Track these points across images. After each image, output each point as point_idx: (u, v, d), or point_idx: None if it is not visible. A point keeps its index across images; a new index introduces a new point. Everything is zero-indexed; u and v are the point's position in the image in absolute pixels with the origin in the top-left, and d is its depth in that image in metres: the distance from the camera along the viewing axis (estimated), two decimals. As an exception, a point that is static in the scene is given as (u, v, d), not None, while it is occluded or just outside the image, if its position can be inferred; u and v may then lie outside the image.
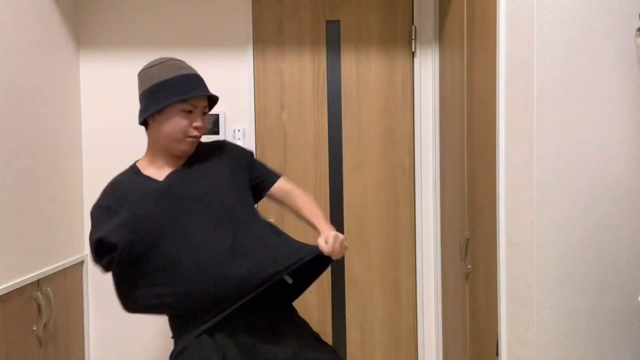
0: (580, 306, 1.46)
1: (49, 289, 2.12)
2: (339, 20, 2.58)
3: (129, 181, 1.68)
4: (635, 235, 1.45)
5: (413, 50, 2.58)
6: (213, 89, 2.51)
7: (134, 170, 1.72)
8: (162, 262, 1.62)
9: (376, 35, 2.58)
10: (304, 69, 2.58)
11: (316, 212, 1.73)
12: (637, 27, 1.30)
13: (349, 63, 2.59)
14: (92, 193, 2.51)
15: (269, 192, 1.79)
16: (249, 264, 1.57)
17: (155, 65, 1.66)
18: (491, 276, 1.78)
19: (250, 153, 1.82)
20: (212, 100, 1.72)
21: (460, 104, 2.14)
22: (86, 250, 2.52)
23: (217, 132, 2.50)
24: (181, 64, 1.67)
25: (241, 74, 2.52)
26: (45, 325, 2.09)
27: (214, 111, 2.49)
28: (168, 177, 1.66)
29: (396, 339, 2.62)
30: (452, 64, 2.28)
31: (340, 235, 1.56)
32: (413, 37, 2.58)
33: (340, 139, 2.58)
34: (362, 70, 2.59)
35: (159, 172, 1.69)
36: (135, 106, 2.52)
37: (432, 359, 2.62)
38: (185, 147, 1.66)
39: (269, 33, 2.56)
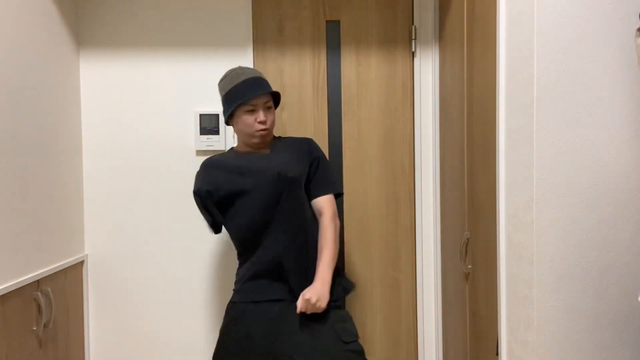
0: (580, 306, 1.46)
1: (49, 289, 2.12)
2: (339, 20, 2.58)
3: (227, 157, 2.08)
4: (635, 235, 1.45)
5: (413, 50, 2.58)
6: (213, 89, 2.54)
7: (229, 150, 2.14)
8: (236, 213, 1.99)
9: (376, 35, 2.58)
10: (304, 69, 2.58)
11: (321, 258, 1.91)
12: (637, 27, 1.30)
13: (349, 63, 2.59)
14: (92, 193, 2.52)
15: (311, 202, 2.02)
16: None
17: (226, 77, 2.01)
18: (491, 276, 1.78)
19: (317, 155, 2.05)
20: (275, 95, 2.03)
21: (460, 104, 2.14)
22: (86, 250, 2.52)
23: (217, 132, 2.50)
24: (243, 71, 1.99)
25: (241, 74, 2.52)
26: (45, 325, 2.09)
27: (213, 111, 2.51)
28: (259, 155, 2.03)
29: (396, 339, 2.62)
30: (452, 64, 2.28)
31: (310, 300, 1.80)
32: (413, 37, 2.58)
33: (340, 138, 2.58)
34: (362, 70, 2.59)
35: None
36: (135, 106, 2.53)
37: (432, 359, 2.62)
38: (257, 140, 1.99)
39: (269, 33, 2.55)
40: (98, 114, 2.51)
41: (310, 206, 2.00)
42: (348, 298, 2.60)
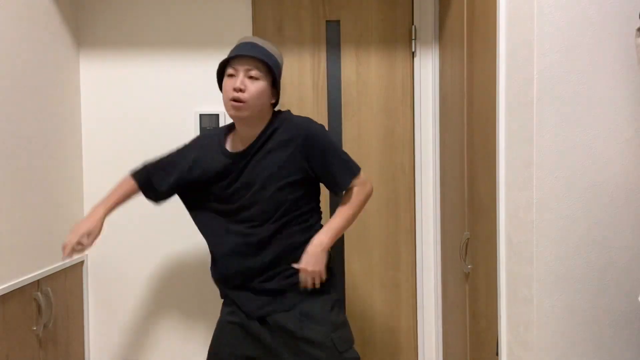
0: (580, 306, 1.46)
1: (49, 289, 2.12)
2: (339, 20, 2.58)
3: (216, 143, 1.84)
4: (634, 235, 1.45)
5: (413, 50, 2.58)
6: (213, 89, 2.52)
7: (221, 133, 1.87)
8: (203, 224, 1.87)
9: (376, 35, 2.58)
10: (304, 69, 2.57)
11: (336, 215, 1.78)
12: (637, 27, 1.30)
13: (349, 63, 2.59)
14: (92, 193, 2.51)
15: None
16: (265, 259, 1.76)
17: None
18: (491, 276, 1.78)
19: (313, 149, 1.74)
20: (270, 68, 1.71)
21: (460, 104, 2.14)
22: (86, 250, 2.52)
23: (217, 132, 2.50)
24: (245, 37, 1.80)
25: (241, 74, 2.52)
26: (45, 325, 2.09)
27: (213, 111, 2.50)
28: (229, 158, 1.79)
29: (396, 339, 2.62)
30: (452, 64, 2.28)
31: (306, 270, 1.70)
32: (413, 37, 2.58)
33: (340, 138, 2.58)
34: (362, 70, 2.59)
35: (231, 142, 1.84)
36: (135, 106, 2.52)
37: (432, 359, 2.62)
38: (232, 112, 1.72)
39: (269, 33, 2.55)
40: (98, 114, 2.51)
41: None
42: (348, 297, 2.61)
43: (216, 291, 2.55)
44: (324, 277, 1.73)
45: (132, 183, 1.93)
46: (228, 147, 1.82)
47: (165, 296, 2.53)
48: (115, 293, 2.53)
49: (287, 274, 1.75)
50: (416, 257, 2.61)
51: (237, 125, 1.80)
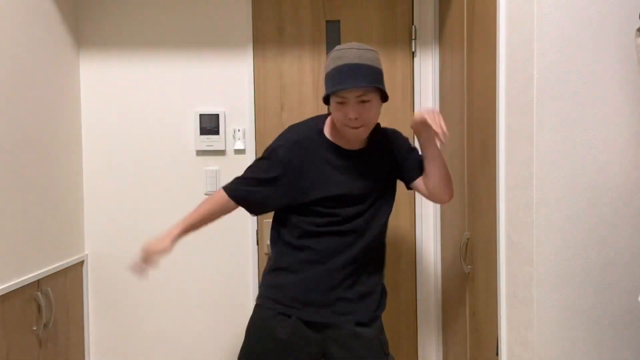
0: (580, 306, 1.46)
1: (49, 289, 2.12)
2: (339, 20, 2.58)
3: (312, 142, 1.75)
4: (634, 235, 1.45)
5: (413, 50, 2.58)
6: (213, 89, 2.53)
7: (317, 128, 1.77)
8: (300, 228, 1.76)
9: (376, 35, 2.58)
10: (304, 69, 2.57)
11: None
12: (637, 27, 1.30)
13: (349, 63, 2.58)
14: (92, 193, 2.52)
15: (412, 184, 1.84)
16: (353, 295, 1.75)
17: (331, 53, 1.69)
18: (491, 276, 1.78)
19: (410, 147, 1.85)
20: (381, 89, 1.67)
21: (460, 104, 2.14)
22: (86, 250, 2.52)
23: (217, 132, 2.50)
24: (345, 53, 1.64)
25: (241, 74, 2.53)
26: (45, 325, 2.09)
27: (213, 111, 2.51)
28: (349, 158, 1.75)
29: (396, 339, 2.62)
30: (452, 64, 2.28)
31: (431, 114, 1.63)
32: (413, 37, 2.58)
33: (340, 139, 2.58)
34: (362, 70, 2.58)
35: (341, 140, 1.76)
36: (135, 106, 2.53)
37: (432, 359, 2.62)
38: (349, 136, 1.71)
39: (269, 33, 2.56)
40: (98, 114, 2.51)
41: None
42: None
43: (215, 290, 2.55)
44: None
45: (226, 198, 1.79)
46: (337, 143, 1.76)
47: (165, 296, 2.53)
48: (115, 293, 2.53)
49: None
50: (416, 257, 2.61)
51: (347, 138, 1.75)
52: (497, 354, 1.70)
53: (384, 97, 1.71)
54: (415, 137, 1.81)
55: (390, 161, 1.81)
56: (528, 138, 1.47)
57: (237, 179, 1.80)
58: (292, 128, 1.82)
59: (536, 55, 1.43)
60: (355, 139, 1.72)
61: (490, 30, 1.74)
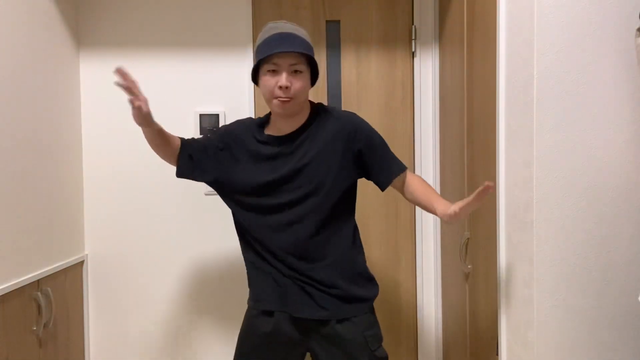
0: (580, 306, 1.46)
1: (49, 289, 2.12)
2: (339, 20, 2.58)
3: (251, 132, 1.76)
4: (635, 235, 1.45)
5: (413, 50, 2.58)
6: (213, 89, 2.53)
7: (258, 121, 1.79)
8: (244, 216, 1.77)
9: (376, 35, 2.58)
10: (304, 69, 2.57)
11: (430, 192, 1.69)
12: (637, 27, 1.30)
13: (349, 63, 2.59)
14: (92, 193, 2.52)
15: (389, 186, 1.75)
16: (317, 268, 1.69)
17: (262, 31, 1.69)
18: (491, 276, 1.78)
19: (363, 142, 1.72)
20: (312, 60, 1.65)
21: (460, 104, 2.14)
22: (86, 250, 2.52)
23: (217, 132, 2.50)
24: (278, 25, 1.65)
25: (241, 74, 2.52)
26: (45, 325, 2.09)
27: (213, 111, 2.50)
28: (284, 142, 1.71)
29: (396, 339, 2.62)
30: (452, 64, 2.28)
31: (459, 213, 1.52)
32: (413, 37, 2.58)
33: (340, 139, 2.58)
34: (362, 70, 2.59)
35: (273, 128, 1.75)
36: (135, 106, 2.52)
37: (432, 359, 2.62)
38: (276, 109, 1.66)
39: (269, 33, 2.55)
40: (98, 114, 2.51)
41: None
42: (348, 298, 2.60)
43: (215, 290, 2.55)
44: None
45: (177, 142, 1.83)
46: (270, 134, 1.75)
47: (165, 296, 2.53)
48: (115, 293, 2.53)
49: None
50: (416, 257, 2.61)
51: (278, 120, 1.72)
52: (497, 354, 1.70)
53: (313, 80, 1.72)
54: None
55: (336, 143, 1.69)
56: (528, 138, 1.47)
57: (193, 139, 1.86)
58: (240, 120, 1.85)
59: (536, 55, 1.43)
60: (284, 113, 1.66)
61: (490, 30, 1.74)
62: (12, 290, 1.89)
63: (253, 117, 1.91)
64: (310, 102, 1.78)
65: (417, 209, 2.60)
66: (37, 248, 2.09)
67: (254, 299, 1.79)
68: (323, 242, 1.71)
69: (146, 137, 1.80)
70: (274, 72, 1.61)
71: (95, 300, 2.52)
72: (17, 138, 1.97)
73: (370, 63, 2.59)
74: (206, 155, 1.78)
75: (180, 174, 1.84)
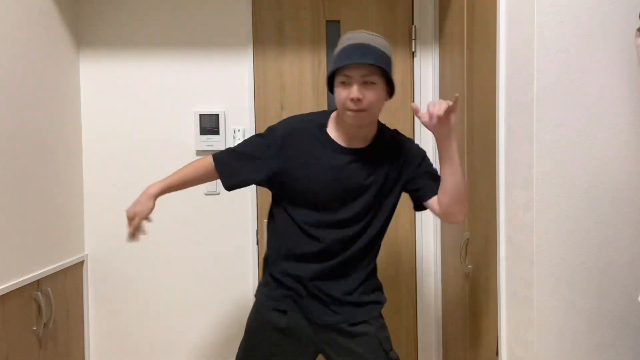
0: (580, 306, 1.46)
1: (49, 289, 2.12)
2: (339, 20, 2.58)
3: (311, 136, 1.71)
4: (635, 235, 1.45)
5: (413, 50, 2.58)
6: (213, 89, 2.53)
7: (320, 122, 1.73)
8: (290, 224, 1.72)
9: (376, 35, 2.58)
10: (304, 69, 2.57)
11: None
12: (637, 27, 1.30)
13: (349, 63, 2.58)
14: (92, 193, 2.52)
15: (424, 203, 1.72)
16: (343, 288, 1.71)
17: (339, 40, 1.66)
18: (491, 276, 1.78)
19: (424, 159, 1.73)
20: (385, 72, 1.59)
21: (460, 104, 2.14)
22: (86, 250, 2.52)
23: (217, 132, 2.50)
24: (353, 35, 1.62)
25: (241, 73, 2.53)
26: (45, 325, 2.09)
27: (213, 111, 2.51)
28: (349, 154, 1.68)
29: (396, 339, 2.61)
30: (452, 64, 2.28)
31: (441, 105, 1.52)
32: (413, 37, 2.58)
33: (340, 139, 2.58)
34: (362, 70, 2.59)
35: (341, 137, 1.70)
36: (135, 106, 2.53)
37: (432, 359, 2.62)
38: (349, 120, 1.62)
39: (269, 33, 2.55)
40: (98, 114, 2.51)
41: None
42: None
43: (215, 290, 2.55)
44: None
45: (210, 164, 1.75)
46: (339, 142, 1.70)
47: (165, 296, 2.53)
48: (115, 293, 2.53)
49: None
50: (416, 257, 2.61)
51: (349, 130, 1.67)
52: (497, 354, 1.70)
53: (390, 93, 1.66)
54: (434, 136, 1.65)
55: (396, 168, 1.71)
56: (528, 138, 1.47)
57: (228, 149, 1.79)
58: (296, 117, 1.79)
59: (536, 55, 1.43)
60: (356, 124, 1.63)
61: (490, 30, 1.74)
62: (12, 290, 1.89)
63: (298, 115, 1.83)
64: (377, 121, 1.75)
65: (417, 209, 2.60)
66: (37, 248, 2.09)
67: (267, 294, 1.76)
68: (356, 261, 1.74)
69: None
70: (346, 83, 1.58)
71: (95, 300, 2.52)
72: (17, 138, 1.97)
73: (370, 63, 2.58)
74: (254, 157, 1.72)
75: (227, 186, 1.76)
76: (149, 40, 2.51)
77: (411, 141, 1.78)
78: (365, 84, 1.57)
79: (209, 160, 1.75)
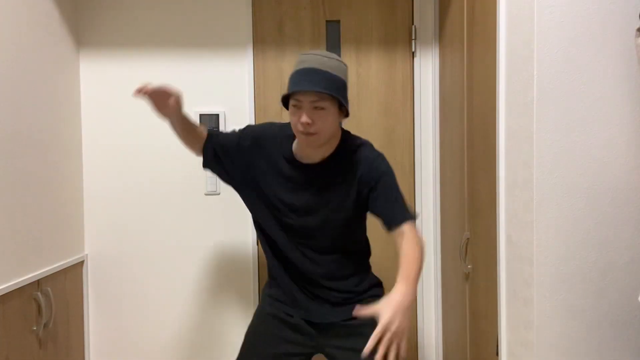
0: (580, 306, 1.46)
1: (49, 289, 2.12)
2: (339, 20, 2.58)
3: (278, 144, 1.74)
4: (635, 235, 1.45)
5: (413, 50, 2.58)
6: (213, 89, 2.53)
7: (288, 134, 1.73)
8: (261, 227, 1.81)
9: (376, 35, 2.58)
10: (304, 69, 2.57)
11: (405, 266, 1.54)
12: (637, 27, 1.30)
13: (349, 63, 2.58)
14: (92, 193, 2.52)
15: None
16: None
17: (297, 59, 1.68)
18: (491, 276, 1.78)
19: (381, 180, 1.67)
20: (339, 101, 1.61)
21: (460, 104, 2.14)
22: (86, 250, 2.52)
23: (217, 132, 2.50)
24: (306, 58, 1.63)
25: (241, 74, 2.53)
26: (45, 325, 2.09)
27: (213, 111, 2.51)
28: (299, 169, 1.70)
29: (396, 339, 2.62)
30: (452, 64, 2.28)
31: (393, 330, 1.39)
32: (413, 37, 2.58)
33: (340, 139, 2.58)
34: (362, 70, 2.59)
35: (302, 152, 1.71)
36: (135, 106, 2.53)
37: (432, 359, 2.61)
38: (302, 143, 1.65)
39: (269, 33, 2.55)
40: (98, 114, 2.51)
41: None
42: (348, 298, 2.60)
43: (215, 290, 2.55)
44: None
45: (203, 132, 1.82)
46: (296, 155, 1.73)
47: (165, 296, 2.53)
48: (115, 293, 2.53)
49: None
50: (416, 257, 2.61)
51: (305, 148, 1.68)
52: (497, 354, 1.70)
53: (345, 112, 1.67)
54: None
55: (349, 184, 1.69)
56: (528, 138, 1.47)
57: (219, 135, 1.85)
58: (270, 124, 1.84)
59: (536, 55, 1.43)
60: (309, 147, 1.65)
61: (490, 30, 1.74)
62: (12, 290, 1.89)
63: (276, 122, 1.88)
64: (342, 130, 1.76)
65: (417, 208, 2.60)
66: (37, 248, 2.09)
67: (273, 296, 1.85)
68: (338, 268, 1.76)
69: (172, 125, 1.80)
70: (298, 107, 1.60)
71: (95, 300, 2.52)
72: (17, 138, 1.97)
73: (370, 63, 2.59)
74: (230, 151, 1.79)
75: (206, 164, 1.84)
76: (149, 40, 2.51)
77: (373, 158, 1.71)
78: (315, 108, 1.58)
79: (204, 135, 1.81)
